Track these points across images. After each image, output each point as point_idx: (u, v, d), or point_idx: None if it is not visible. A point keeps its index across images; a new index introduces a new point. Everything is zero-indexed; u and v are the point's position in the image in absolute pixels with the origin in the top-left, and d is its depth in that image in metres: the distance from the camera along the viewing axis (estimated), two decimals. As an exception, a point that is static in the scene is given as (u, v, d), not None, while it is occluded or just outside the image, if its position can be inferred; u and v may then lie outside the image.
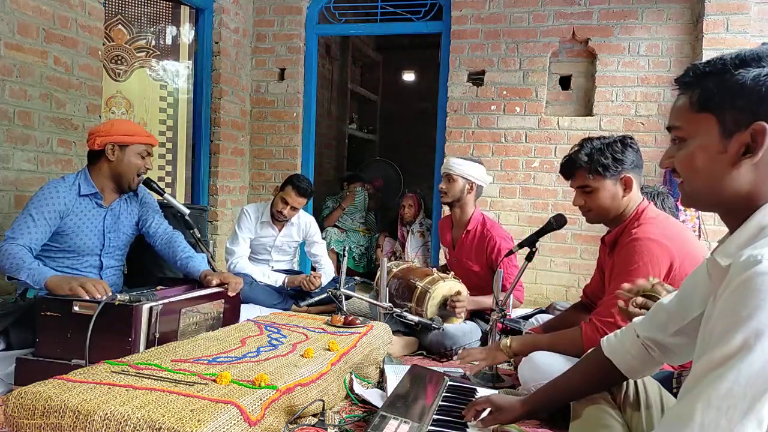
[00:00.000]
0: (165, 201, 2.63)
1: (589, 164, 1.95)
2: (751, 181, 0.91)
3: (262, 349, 1.79)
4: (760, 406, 0.78)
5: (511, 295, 2.77)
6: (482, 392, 1.79)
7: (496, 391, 1.88)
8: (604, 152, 1.93)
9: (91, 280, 1.99)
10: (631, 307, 1.43)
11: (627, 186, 1.94)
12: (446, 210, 4.10)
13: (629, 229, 1.91)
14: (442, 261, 3.83)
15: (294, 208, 3.43)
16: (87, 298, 1.90)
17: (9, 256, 2.10)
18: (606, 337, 1.34)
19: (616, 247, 1.96)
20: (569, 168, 2.03)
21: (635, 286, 1.46)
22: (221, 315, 2.28)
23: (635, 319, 1.30)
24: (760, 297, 0.78)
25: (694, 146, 0.96)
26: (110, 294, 1.92)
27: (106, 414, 1.19)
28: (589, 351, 1.42)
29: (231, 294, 2.33)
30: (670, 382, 1.59)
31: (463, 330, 2.69)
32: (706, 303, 1.05)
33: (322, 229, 5.09)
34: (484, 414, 1.48)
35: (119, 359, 1.54)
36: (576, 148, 2.02)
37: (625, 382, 1.33)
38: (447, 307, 2.70)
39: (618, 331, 1.33)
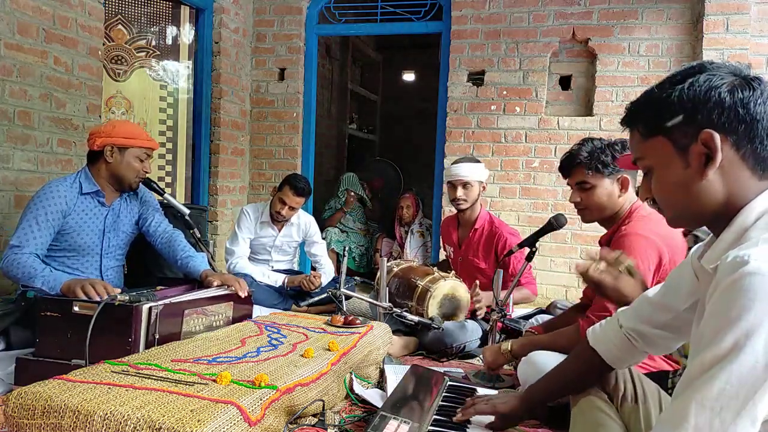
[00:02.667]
0: (165, 201, 2.63)
1: (589, 160, 1.98)
2: (722, 187, 0.93)
3: (262, 349, 1.79)
4: (752, 405, 0.78)
5: (525, 289, 2.88)
6: (482, 392, 1.79)
7: (496, 392, 1.88)
8: (605, 151, 1.97)
9: (92, 281, 1.98)
10: (591, 270, 1.46)
11: (623, 186, 1.98)
12: (447, 210, 4.12)
13: (620, 227, 1.94)
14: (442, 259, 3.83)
15: (292, 208, 3.42)
16: (92, 297, 1.90)
17: (19, 266, 2.11)
18: (592, 327, 1.35)
19: (610, 246, 1.97)
20: (569, 163, 2.05)
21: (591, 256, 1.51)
22: (231, 318, 2.25)
23: (620, 310, 1.31)
24: (748, 297, 0.78)
25: (661, 170, 0.99)
26: (112, 293, 1.91)
27: (106, 414, 1.19)
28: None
29: (243, 295, 2.30)
30: (666, 383, 1.59)
31: (463, 329, 2.68)
32: (692, 299, 1.07)
33: (322, 229, 5.11)
34: (486, 420, 1.48)
35: (119, 359, 1.54)
36: (577, 146, 2.05)
37: (622, 381, 1.33)
38: (470, 300, 2.73)
39: (603, 321, 1.34)
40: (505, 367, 2.36)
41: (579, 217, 2.13)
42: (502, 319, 2.35)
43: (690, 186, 0.95)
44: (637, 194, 2.06)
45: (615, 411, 1.31)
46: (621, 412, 1.31)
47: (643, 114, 1.01)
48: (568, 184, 2.10)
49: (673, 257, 1.82)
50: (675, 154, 0.96)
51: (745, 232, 0.90)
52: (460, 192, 2.97)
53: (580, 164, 2.00)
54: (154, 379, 1.41)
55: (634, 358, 1.27)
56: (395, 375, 1.96)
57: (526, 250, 2.37)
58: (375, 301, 2.55)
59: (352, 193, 5.24)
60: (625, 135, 1.11)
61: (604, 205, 1.99)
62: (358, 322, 2.25)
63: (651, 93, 1.00)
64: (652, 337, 1.20)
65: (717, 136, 0.90)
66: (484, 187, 3.03)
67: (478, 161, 3.08)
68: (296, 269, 3.83)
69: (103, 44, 3.42)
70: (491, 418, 1.47)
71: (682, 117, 0.93)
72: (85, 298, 1.89)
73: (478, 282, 2.76)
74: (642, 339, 1.22)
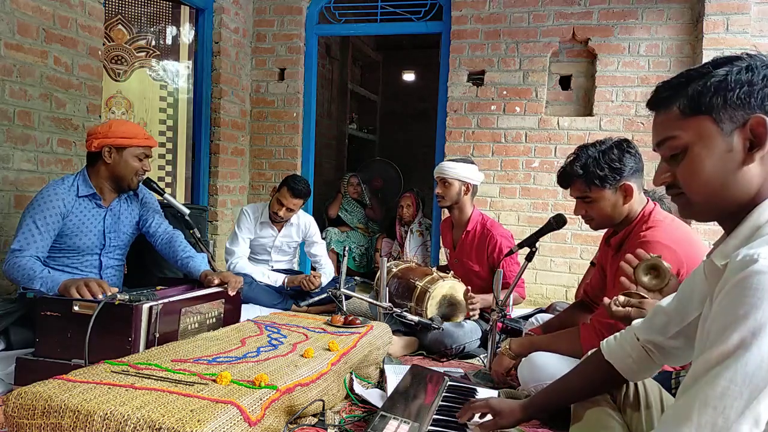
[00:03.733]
0: (165, 201, 2.63)
1: (585, 176, 1.91)
2: (759, 178, 0.91)
3: (262, 349, 1.79)
4: (756, 404, 0.78)
5: (514, 292, 2.81)
6: (482, 392, 1.79)
7: (496, 392, 1.88)
8: (600, 163, 1.88)
9: (87, 281, 1.98)
10: (613, 306, 1.48)
11: (627, 194, 1.90)
12: (446, 211, 4.12)
13: (637, 232, 1.87)
14: (443, 260, 3.83)
15: (290, 210, 3.42)
16: (86, 298, 1.89)
17: (19, 269, 2.13)
18: (606, 340, 1.34)
19: (622, 250, 1.93)
20: (566, 179, 2.00)
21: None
22: (222, 315, 2.28)
23: (635, 322, 1.30)
24: (756, 295, 0.78)
25: (698, 151, 0.93)
26: (108, 292, 1.91)
27: (106, 414, 1.19)
28: (588, 354, 1.42)
29: (231, 293, 2.32)
30: (669, 383, 1.59)
31: (463, 329, 2.69)
32: (704, 304, 1.05)
33: (323, 224, 5.13)
34: (483, 419, 1.47)
35: (119, 359, 1.54)
36: (571, 158, 1.98)
37: (624, 383, 1.33)
38: (466, 306, 2.69)
39: (617, 334, 1.33)
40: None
41: (579, 217, 2.10)
42: (502, 319, 2.35)
43: (730, 171, 0.91)
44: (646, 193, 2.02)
45: (617, 411, 1.31)
46: (623, 411, 1.31)
47: (691, 90, 0.94)
48: (570, 195, 2.04)
49: (691, 266, 1.75)
50: (718, 135, 0.91)
51: (757, 230, 0.89)
52: (438, 188, 3.00)
53: (577, 180, 1.94)
54: (154, 379, 1.41)
55: (650, 370, 1.26)
56: (395, 375, 1.96)
57: (525, 251, 2.36)
58: (375, 301, 2.55)
59: (355, 182, 5.32)
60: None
61: (610, 215, 1.94)
62: (358, 322, 2.25)
63: (702, 69, 0.95)
64: (668, 348, 1.20)
65: None
66: (467, 188, 2.96)
67: (470, 162, 3.03)
68: (296, 269, 3.84)
69: (103, 44, 3.42)
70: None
71: (735, 98, 0.90)
72: (82, 296, 1.89)
73: (469, 288, 2.71)
74: (659, 351, 1.21)
